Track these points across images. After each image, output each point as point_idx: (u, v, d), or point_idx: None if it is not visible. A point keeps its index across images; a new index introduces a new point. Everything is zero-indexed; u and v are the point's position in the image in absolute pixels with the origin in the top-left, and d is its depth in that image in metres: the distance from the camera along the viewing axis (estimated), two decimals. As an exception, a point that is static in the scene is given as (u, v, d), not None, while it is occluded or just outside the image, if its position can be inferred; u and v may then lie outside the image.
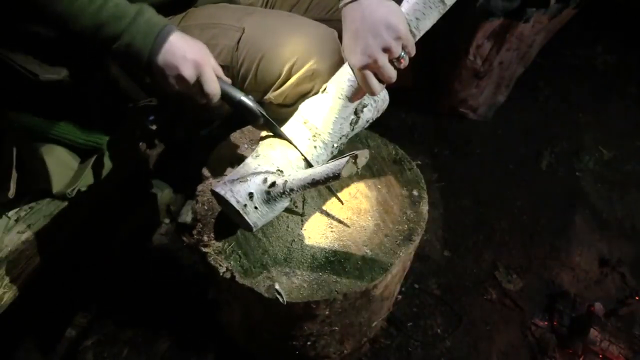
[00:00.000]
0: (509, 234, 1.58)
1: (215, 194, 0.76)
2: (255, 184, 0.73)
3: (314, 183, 0.70)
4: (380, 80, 0.77)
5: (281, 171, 0.77)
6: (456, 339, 1.29)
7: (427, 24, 0.80)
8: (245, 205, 0.73)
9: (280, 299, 0.73)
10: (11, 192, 0.93)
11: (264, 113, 0.82)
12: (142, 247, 1.40)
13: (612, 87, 2.24)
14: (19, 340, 1.20)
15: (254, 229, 0.76)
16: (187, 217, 1.38)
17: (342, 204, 0.88)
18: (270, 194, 0.73)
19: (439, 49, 1.82)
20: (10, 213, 0.96)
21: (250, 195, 0.73)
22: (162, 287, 1.32)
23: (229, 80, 0.83)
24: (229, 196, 0.73)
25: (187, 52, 0.77)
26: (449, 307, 1.36)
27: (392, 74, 0.76)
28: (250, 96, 0.82)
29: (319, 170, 0.70)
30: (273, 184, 0.73)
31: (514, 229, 1.60)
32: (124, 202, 1.30)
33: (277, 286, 0.74)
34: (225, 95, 0.82)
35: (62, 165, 1.00)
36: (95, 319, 1.25)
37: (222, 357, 1.21)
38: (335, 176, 0.67)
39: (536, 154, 1.88)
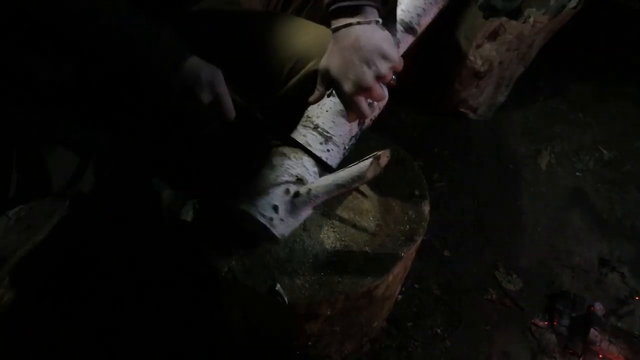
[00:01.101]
0: (509, 234, 1.58)
1: (236, 211, 0.75)
2: (278, 196, 0.72)
3: (339, 188, 0.69)
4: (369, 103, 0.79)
5: (300, 179, 0.76)
6: (456, 339, 1.29)
7: (427, 20, 0.80)
8: (271, 219, 0.72)
9: (282, 300, 0.73)
10: (11, 192, 0.92)
11: (273, 122, 0.82)
12: (142, 246, 1.40)
13: (612, 87, 2.24)
14: (19, 340, 1.19)
15: (281, 241, 0.75)
16: (187, 217, 1.37)
17: (366, 197, 0.88)
18: (295, 204, 0.72)
19: (439, 48, 1.82)
20: (10, 213, 0.96)
21: (275, 208, 0.72)
22: (162, 287, 1.32)
23: (237, 97, 0.83)
24: (254, 212, 0.71)
25: (202, 73, 0.77)
26: (449, 307, 1.36)
27: (383, 94, 0.78)
28: (256, 107, 0.82)
29: (343, 174, 0.68)
30: (297, 194, 0.72)
31: (514, 229, 1.60)
32: (124, 202, 1.29)
33: (278, 286, 0.74)
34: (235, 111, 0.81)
35: (62, 165, 1.00)
36: (94, 318, 1.25)
37: (222, 357, 1.21)
38: (361, 178, 0.66)
39: (536, 154, 1.88)
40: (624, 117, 2.09)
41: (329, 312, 0.80)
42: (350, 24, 0.74)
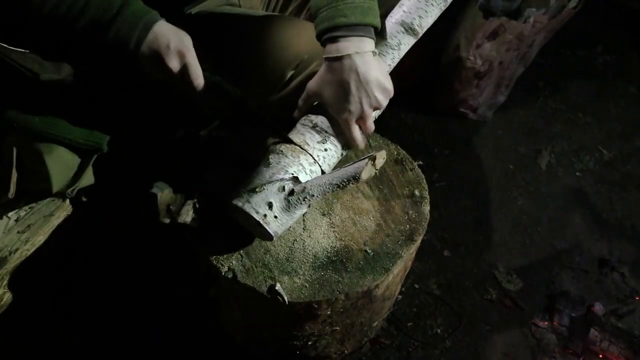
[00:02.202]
0: (509, 234, 1.58)
1: (232, 206, 0.75)
2: (273, 193, 0.72)
3: (333, 187, 0.70)
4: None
5: (296, 177, 0.77)
6: (456, 339, 1.29)
7: (428, 22, 0.80)
8: (265, 216, 0.72)
9: (282, 299, 0.73)
10: (11, 192, 0.92)
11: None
12: (142, 247, 1.40)
13: (612, 87, 2.24)
14: (19, 340, 1.19)
15: (274, 238, 0.75)
16: (187, 217, 1.37)
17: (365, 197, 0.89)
18: (290, 202, 0.72)
19: (439, 49, 1.82)
20: (10, 213, 0.96)
21: (270, 204, 0.72)
22: (162, 287, 1.32)
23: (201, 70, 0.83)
24: (247, 208, 0.72)
25: (171, 42, 0.77)
26: (449, 307, 1.36)
27: (373, 127, 0.81)
28: (228, 81, 0.82)
29: (338, 174, 0.69)
30: (292, 192, 0.72)
31: (514, 229, 1.60)
32: (123, 202, 1.29)
33: (278, 286, 0.74)
34: (207, 83, 0.81)
35: (62, 165, 1.00)
36: (95, 318, 1.25)
37: (222, 357, 1.21)
38: (355, 179, 0.67)
39: (536, 154, 1.88)
40: (624, 117, 2.09)
41: (328, 312, 0.80)
42: (345, 55, 0.74)
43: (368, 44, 0.75)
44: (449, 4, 0.80)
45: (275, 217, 0.72)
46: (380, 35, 0.83)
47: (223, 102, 0.84)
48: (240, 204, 0.72)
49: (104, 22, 0.74)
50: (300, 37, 0.90)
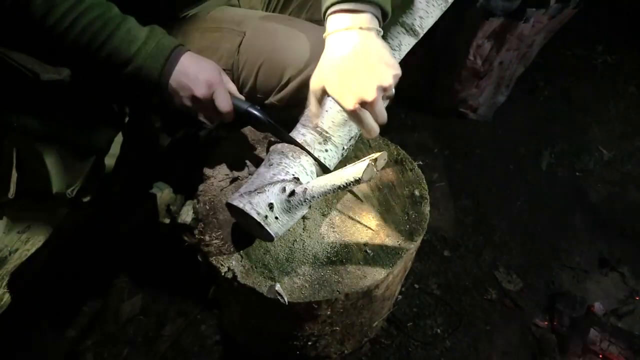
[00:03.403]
0: (509, 234, 1.58)
1: (232, 207, 0.75)
2: (274, 194, 0.72)
3: (334, 188, 0.69)
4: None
5: (297, 178, 0.76)
6: (456, 339, 1.29)
7: (429, 22, 0.80)
8: (266, 217, 0.72)
9: (282, 300, 0.73)
10: (11, 192, 0.92)
11: (272, 122, 0.81)
12: (142, 247, 1.40)
13: (612, 87, 2.24)
14: (19, 340, 1.19)
15: (275, 239, 0.75)
16: (187, 217, 1.37)
17: (362, 201, 0.87)
18: (291, 203, 0.72)
19: (439, 49, 1.82)
20: (11, 213, 0.96)
21: (271, 205, 0.72)
22: (162, 287, 1.32)
23: (239, 95, 0.83)
24: (248, 209, 0.71)
25: (199, 73, 0.77)
26: (449, 307, 1.36)
27: (385, 114, 0.70)
28: (257, 106, 0.82)
29: (339, 175, 0.68)
30: (293, 193, 0.72)
31: (514, 229, 1.60)
32: (124, 202, 1.29)
33: (278, 286, 0.74)
34: (237, 110, 0.81)
35: (62, 165, 1.00)
36: (95, 319, 1.25)
37: (222, 357, 1.21)
38: (357, 180, 0.66)
39: (536, 154, 1.88)
40: (624, 117, 2.09)
41: (328, 312, 0.80)
42: (349, 28, 0.68)
43: (372, 20, 0.69)
44: (449, 4, 0.80)
45: (276, 218, 0.72)
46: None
47: (252, 125, 0.84)
48: (241, 205, 0.72)
49: (128, 55, 0.73)
50: (299, 38, 0.90)
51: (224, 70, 0.85)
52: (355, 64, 0.67)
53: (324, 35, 0.72)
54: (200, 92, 0.77)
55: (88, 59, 0.74)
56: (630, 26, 2.43)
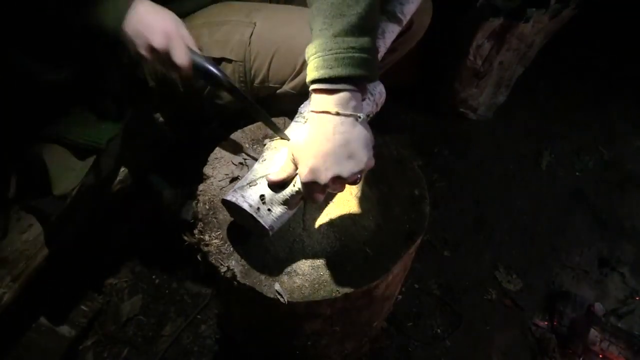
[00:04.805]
0: (509, 234, 1.58)
1: (226, 203, 0.75)
2: (265, 186, 0.73)
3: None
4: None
5: None
6: (456, 339, 1.29)
7: (411, 8, 0.79)
8: (258, 209, 0.71)
9: (281, 299, 0.73)
10: (11, 192, 0.92)
11: (232, 82, 0.80)
12: (142, 246, 1.40)
13: (612, 87, 2.24)
14: (19, 340, 1.19)
15: (271, 233, 0.75)
16: (187, 216, 1.38)
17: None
18: (283, 194, 0.72)
19: (439, 48, 1.82)
20: (11, 213, 0.96)
21: (262, 197, 0.72)
22: (162, 287, 1.32)
23: (198, 52, 0.81)
24: (240, 201, 0.71)
25: (155, 21, 0.76)
26: (449, 307, 1.36)
27: (321, 197, 0.70)
28: (216, 65, 0.80)
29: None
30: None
31: (514, 229, 1.60)
32: (124, 201, 1.29)
33: (278, 286, 0.74)
34: (195, 67, 0.79)
35: (62, 165, 1.00)
36: (95, 319, 1.25)
37: (222, 357, 1.21)
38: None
39: (536, 154, 1.88)
40: (624, 117, 2.09)
41: (328, 312, 0.80)
42: (327, 111, 0.65)
43: (352, 100, 0.66)
44: None
45: (269, 210, 0.72)
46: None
47: (211, 85, 0.81)
48: (233, 199, 0.72)
49: (90, 6, 0.73)
50: (307, 28, 0.90)
51: (235, 61, 0.84)
52: (320, 148, 0.65)
53: (308, 109, 0.70)
54: (157, 41, 0.75)
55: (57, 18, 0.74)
56: (630, 26, 2.43)
